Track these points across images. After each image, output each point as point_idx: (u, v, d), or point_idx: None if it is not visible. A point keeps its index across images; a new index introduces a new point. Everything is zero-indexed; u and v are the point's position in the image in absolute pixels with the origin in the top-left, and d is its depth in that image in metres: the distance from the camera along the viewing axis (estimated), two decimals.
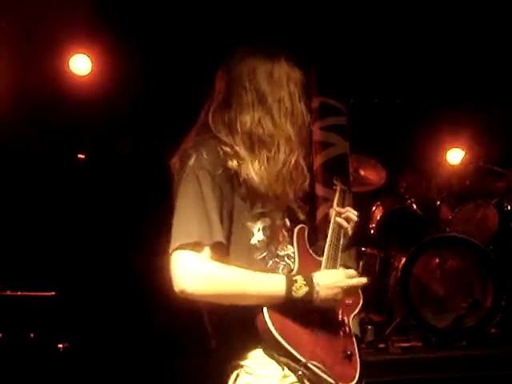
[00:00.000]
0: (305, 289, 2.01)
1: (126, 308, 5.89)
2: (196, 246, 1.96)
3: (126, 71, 5.97)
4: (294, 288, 2.00)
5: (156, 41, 5.77)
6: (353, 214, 2.46)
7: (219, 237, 2.00)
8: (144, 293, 5.60)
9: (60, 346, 5.02)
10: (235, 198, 2.09)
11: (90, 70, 6.03)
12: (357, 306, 2.31)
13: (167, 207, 2.10)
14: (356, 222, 2.48)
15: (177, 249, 1.96)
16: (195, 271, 1.95)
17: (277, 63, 2.22)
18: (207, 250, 1.98)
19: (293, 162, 2.16)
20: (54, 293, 5.15)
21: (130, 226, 6.07)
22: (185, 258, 1.96)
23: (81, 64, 6.01)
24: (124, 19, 5.56)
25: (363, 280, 2.18)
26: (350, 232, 2.45)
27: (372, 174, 6.16)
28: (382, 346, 5.13)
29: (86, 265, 6.15)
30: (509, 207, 5.75)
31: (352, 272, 2.18)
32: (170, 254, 1.98)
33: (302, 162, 2.20)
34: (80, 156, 6.60)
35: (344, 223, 2.42)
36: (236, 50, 2.27)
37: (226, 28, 5.49)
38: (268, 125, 2.14)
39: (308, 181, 2.26)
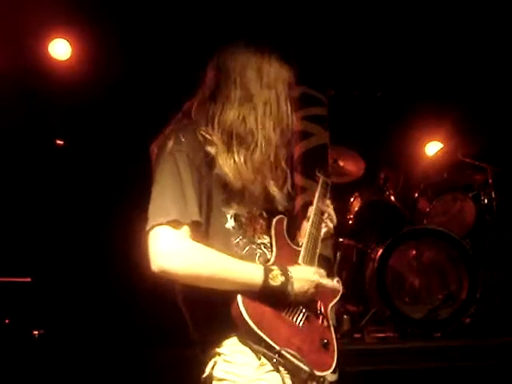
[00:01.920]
0: (281, 278, 2.03)
1: (103, 294, 5.86)
2: (174, 225, 1.96)
3: (106, 56, 5.95)
4: (270, 276, 2.01)
5: (135, 26, 5.75)
6: (331, 222, 2.46)
7: (196, 216, 2.00)
8: (123, 279, 5.57)
9: (35, 332, 4.99)
10: (212, 181, 2.09)
11: (70, 54, 6.00)
12: (336, 296, 2.34)
13: (145, 193, 2.09)
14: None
15: (154, 227, 1.95)
16: (174, 249, 1.95)
17: (267, 62, 2.22)
18: (186, 229, 1.98)
19: (272, 160, 2.18)
20: (29, 278, 5.13)
21: (108, 212, 6.03)
22: (163, 235, 1.95)
23: (60, 49, 5.99)
24: (104, 4, 5.53)
25: (332, 283, 2.24)
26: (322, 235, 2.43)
27: (351, 165, 6.16)
28: (357, 335, 5.18)
29: (62, 250, 6.11)
30: (486, 200, 5.78)
31: (323, 272, 2.21)
32: (147, 233, 1.97)
33: (282, 161, 2.22)
34: (58, 141, 6.55)
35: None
36: (228, 44, 2.27)
37: (206, 16, 5.48)
38: (251, 123, 2.15)
39: (289, 180, 2.28)
